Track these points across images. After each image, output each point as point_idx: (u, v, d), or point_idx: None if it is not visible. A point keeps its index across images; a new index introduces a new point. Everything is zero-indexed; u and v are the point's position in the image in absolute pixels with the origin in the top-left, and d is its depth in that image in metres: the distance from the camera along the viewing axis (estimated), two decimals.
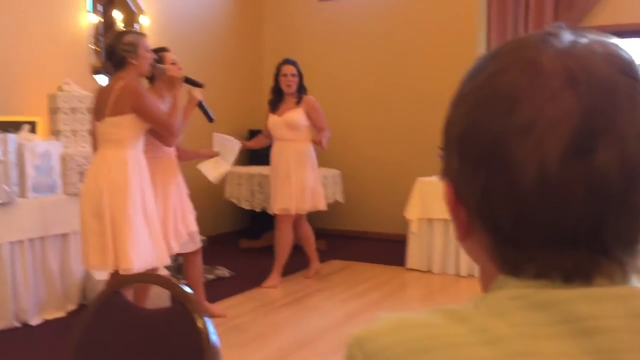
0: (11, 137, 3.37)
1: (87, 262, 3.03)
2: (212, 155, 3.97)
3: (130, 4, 5.16)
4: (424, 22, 5.98)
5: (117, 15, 4.95)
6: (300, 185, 4.40)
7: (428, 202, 4.84)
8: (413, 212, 4.89)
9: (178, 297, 1.16)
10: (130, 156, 3.00)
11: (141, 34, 3.21)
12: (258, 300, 4.18)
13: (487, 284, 0.58)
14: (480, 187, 0.54)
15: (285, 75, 4.41)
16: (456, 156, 0.56)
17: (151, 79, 3.45)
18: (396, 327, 0.54)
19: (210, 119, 3.68)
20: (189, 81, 3.42)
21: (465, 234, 0.59)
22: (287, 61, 4.48)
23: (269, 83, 6.67)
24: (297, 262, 5.16)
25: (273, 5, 6.70)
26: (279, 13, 6.68)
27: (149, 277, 1.42)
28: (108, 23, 4.95)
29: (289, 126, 4.41)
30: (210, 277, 4.49)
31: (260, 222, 5.55)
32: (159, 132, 3.20)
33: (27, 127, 3.75)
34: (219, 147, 3.97)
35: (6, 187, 3.31)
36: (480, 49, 5.79)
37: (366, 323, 0.56)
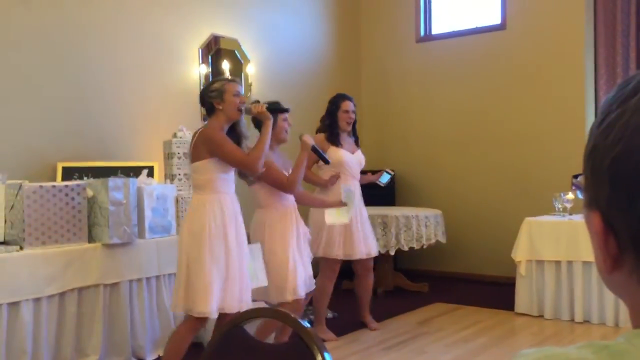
0: (132, 181, 3.61)
1: (172, 304, 3.16)
2: (339, 205, 3.91)
3: (237, 54, 5.46)
4: (526, 57, 5.86)
5: (225, 66, 5.24)
6: (367, 228, 4.34)
7: (537, 242, 4.64)
8: (521, 254, 4.70)
9: (298, 332, 1.19)
10: (211, 201, 3.03)
11: (230, 80, 3.23)
12: (361, 342, 4.14)
13: (639, 319, 0.55)
14: (638, 216, 0.52)
15: (347, 111, 4.24)
16: (607, 184, 0.55)
17: (257, 125, 3.53)
18: None
19: (326, 162, 3.78)
20: (273, 109, 3.33)
21: (612, 266, 0.56)
22: (347, 97, 4.30)
23: (367, 124, 6.81)
24: (398, 304, 5.09)
25: (370, 47, 6.83)
26: (376, 54, 6.80)
27: (269, 312, 1.46)
28: (216, 73, 5.24)
29: (359, 165, 4.34)
30: (314, 317, 4.51)
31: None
32: (247, 171, 3.24)
33: (145, 171, 4.01)
34: (346, 198, 3.90)
35: (127, 228, 3.53)
36: (588, 86, 5.57)
37: (512, 354, 0.55)
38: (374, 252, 4.36)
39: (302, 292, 3.44)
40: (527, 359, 0.53)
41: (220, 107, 3.10)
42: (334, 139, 4.22)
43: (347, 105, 4.27)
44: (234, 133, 3.19)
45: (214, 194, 3.06)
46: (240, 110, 3.15)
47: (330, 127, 4.22)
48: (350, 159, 4.25)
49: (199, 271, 2.97)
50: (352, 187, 4.15)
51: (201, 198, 3.06)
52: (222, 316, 3.15)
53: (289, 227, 3.50)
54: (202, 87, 3.31)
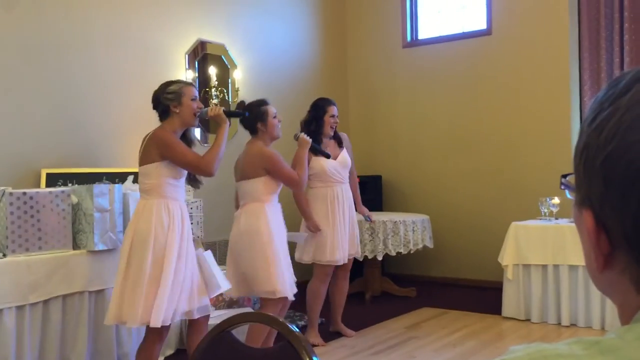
0: (117, 188, 3.57)
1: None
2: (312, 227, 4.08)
3: (224, 59, 5.44)
4: (511, 62, 5.90)
5: (212, 71, 5.22)
6: (356, 230, 4.37)
7: (524, 247, 4.66)
8: (508, 258, 4.71)
9: (286, 336, 1.17)
10: (157, 205, 2.92)
11: (188, 84, 3.14)
12: (350, 348, 4.13)
13: (629, 317, 0.55)
14: (632, 214, 0.51)
15: (333, 116, 4.22)
16: (600, 182, 0.54)
17: (252, 130, 3.55)
18: (535, 359, 0.52)
19: (327, 156, 3.84)
20: (230, 114, 3.30)
21: (604, 264, 0.56)
22: (332, 101, 4.29)
23: (354, 129, 6.81)
24: (386, 309, 5.08)
25: (357, 53, 6.84)
26: (362, 60, 6.81)
27: (257, 316, 1.44)
28: (203, 78, 5.22)
29: (345, 168, 4.29)
30: (302, 323, 4.49)
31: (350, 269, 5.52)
32: (199, 173, 3.14)
33: (131, 177, 3.98)
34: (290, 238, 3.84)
35: (112, 235, 3.50)
36: (573, 92, 5.62)
37: (500, 355, 0.54)
38: (359, 254, 4.43)
39: (289, 292, 3.42)
40: (517, 354, 0.52)
41: (177, 111, 3.01)
42: (314, 149, 4.10)
43: (333, 109, 4.25)
44: (184, 139, 3.09)
45: (160, 198, 2.94)
46: (195, 115, 3.05)
47: (316, 132, 4.15)
48: (332, 166, 4.20)
49: (146, 279, 2.84)
50: (340, 194, 4.19)
51: (147, 202, 2.95)
52: (192, 323, 3.10)
53: (282, 225, 3.54)
54: (156, 89, 3.15)
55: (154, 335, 2.95)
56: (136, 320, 2.85)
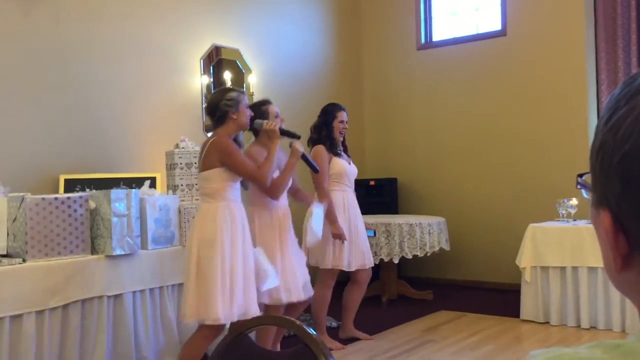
0: (134, 193, 3.60)
1: (181, 313, 3.14)
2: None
3: (239, 64, 5.47)
4: (527, 62, 5.86)
5: (227, 76, 5.25)
6: (365, 240, 4.31)
7: (542, 249, 4.61)
8: (526, 260, 4.67)
9: (303, 339, 1.17)
10: (221, 208, 3.07)
11: (242, 91, 3.32)
12: (366, 351, 4.11)
13: None
14: None
15: (342, 121, 4.21)
16: (617, 181, 0.53)
17: (256, 133, 3.62)
18: None
19: (315, 170, 3.77)
20: (285, 133, 3.43)
21: (622, 265, 0.55)
22: (342, 107, 4.27)
23: (369, 132, 6.81)
24: (402, 312, 5.06)
25: (371, 55, 6.84)
26: (377, 62, 6.81)
27: (274, 320, 1.44)
28: (218, 83, 5.25)
29: (355, 176, 4.31)
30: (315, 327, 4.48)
31: None
32: (255, 185, 3.31)
33: (148, 182, 4.00)
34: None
35: (130, 239, 3.52)
36: (590, 91, 5.57)
37: (532, 347, 0.53)
38: (372, 263, 4.34)
39: (283, 298, 3.41)
40: (537, 359, 0.52)
41: (235, 117, 3.15)
42: (334, 150, 4.19)
43: (343, 115, 4.24)
44: (235, 142, 3.23)
45: (223, 201, 3.09)
46: (251, 122, 3.25)
47: (328, 137, 4.17)
48: (349, 170, 4.23)
49: (213, 279, 2.97)
50: (352, 200, 4.18)
51: (211, 206, 3.09)
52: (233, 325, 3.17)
53: (279, 228, 3.50)
54: (212, 96, 3.31)
55: (208, 332, 3.02)
56: (217, 317, 2.95)
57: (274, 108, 3.63)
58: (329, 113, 4.23)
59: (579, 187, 0.64)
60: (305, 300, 3.59)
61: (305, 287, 3.54)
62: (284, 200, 3.57)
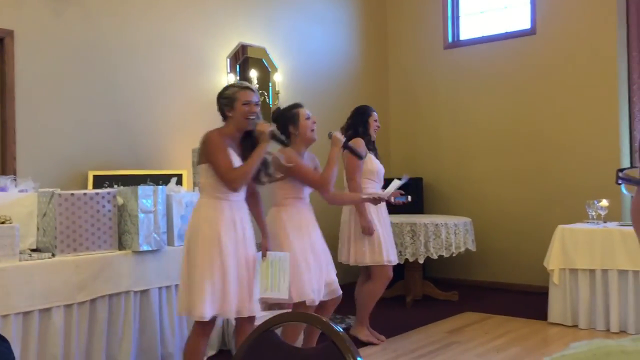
0: (161, 189, 3.63)
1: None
2: (374, 202, 3.88)
3: (265, 62, 5.48)
4: (556, 62, 5.77)
5: (253, 74, 5.26)
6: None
7: (570, 251, 4.53)
8: (554, 262, 4.60)
9: (331, 336, 1.16)
10: (206, 205, 2.98)
11: (243, 87, 3.09)
12: (392, 351, 4.09)
13: None
14: None
15: (376, 121, 4.28)
16: None
17: (287, 136, 3.46)
18: (597, 355, 0.49)
19: (360, 157, 3.80)
20: (275, 138, 3.12)
21: None
22: (373, 109, 4.35)
23: (395, 131, 6.77)
24: (427, 313, 5.02)
25: (398, 54, 6.80)
26: (403, 61, 6.77)
27: (301, 316, 1.43)
28: (245, 81, 5.27)
29: (383, 175, 4.35)
30: (342, 326, 4.48)
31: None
32: (306, 181, 3.30)
33: (174, 179, 4.03)
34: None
35: (156, 236, 3.55)
36: (622, 91, 5.46)
37: (559, 350, 0.52)
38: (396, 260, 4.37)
39: (311, 296, 3.33)
40: (578, 350, 0.50)
41: (231, 115, 3.03)
42: (370, 147, 4.26)
43: (376, 115, 4.33)
44: (249, 141, 3.07)
45: (210, 198, 2.98)
46: (249, 120, 3.01)
47: (365, 134, 4.24)
48: (381, 169, 4.31)
49: (194, 274, 2.91)
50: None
51: (200, 201, 3.03)
52: (240, 321, 3.10)
53: (305, 228, 3.45)
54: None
55: (197, 328, 2.99)
56: (194, 312, 2.90)
57: (304, 111, 3.52)
58: (364, 112, 4.31)
59: (620, 182, 0.62)
60: (333, 300, 3.57)
61: (332, 287, 3.51)
62: (306, 199, 3.55)
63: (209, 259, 2.90)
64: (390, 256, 4.16)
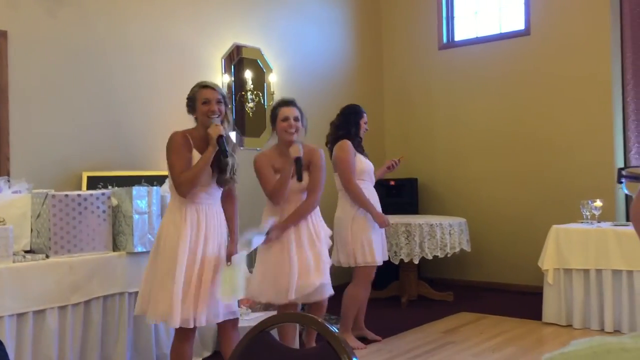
0: (155, 190, 3.62)
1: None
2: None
3: (260, 63, 5.47)
4: (551, 62, 5.79)
5: (247, 75, 5.26)
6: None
7: (564, 251, 4.55)
8: (548, 262, 4.61)
9: (326, 337, 1.16)
10: (171, 208, 2.94)
11: (203, 86, 2.97)
12: (387, 352, 4.09)
13: None
14: None
15: (366, 122, 4.30)
16: None
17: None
18: (598, 353, 0.49)
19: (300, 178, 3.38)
20: (220, 144, 2.86)
21: None
22: (363, 109, 4.34)
23: (390, 132, 6.78)
24: (422, 313, 5.02)
25: (392, 55, 6.81)
26: (398, 62, 6.78)
27: (296, 317, 1.43)
28: (239, 82, 5.26)
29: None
30: (337, 326, 4.47)
31: (386, 272, 5.48)
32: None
33: (168, 180, 4.02)
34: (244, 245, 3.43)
35: (151, 237, 3.54)
36: (616, 92, 5.48)
37: (554, 349, 0.52)
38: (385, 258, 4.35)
39: (292, 296, 3.27)
40: (579, 347, 0.50)
41: (195, 115, 2.96)
42: (360, 147, 4.24)
43: (366, 117, 4.33)
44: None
45: (176, 200, 2.92)
46: (211, 119, 2.87)
47: (357, 135, 4.23)
48: (371, 167, 4.27)
49: (158, 277, 2.86)
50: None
51: (170, 203, 3.00)
52: (220, 327, 3.05)
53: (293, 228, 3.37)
54: None
55: (179, 334, 2.94)
56: (156, 317, 2.86)
57: (285, 111, 3.39)
58: (357, 112, 4.28)
59: (622, 180, 0.62)
60: (323, 300, 3.54)
61: (320, 288, 3.42)
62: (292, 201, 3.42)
63: (175, 264, 2.82)
64: (367, 257, 4.08)
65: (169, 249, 2.86)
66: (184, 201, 2.90)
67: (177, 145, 2.90)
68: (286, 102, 3.46)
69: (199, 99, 2.93)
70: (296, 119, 3.39)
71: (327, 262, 3.46)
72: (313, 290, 3.36)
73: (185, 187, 2.85)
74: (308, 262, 3.35)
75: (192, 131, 2.97)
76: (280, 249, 3.35)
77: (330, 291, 3.47)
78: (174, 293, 2.79)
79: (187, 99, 2.99)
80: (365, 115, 4.30)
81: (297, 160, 3.27)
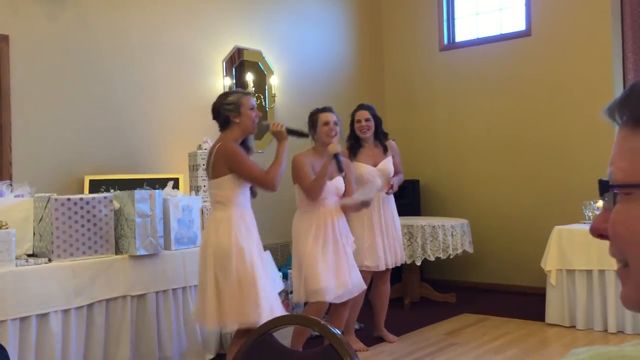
0: (158, 193, 3.63)
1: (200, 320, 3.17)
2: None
3: (261, 65, 5.48)
4: (552, 63, 5.78)
5: (249, 77, 5.26)
6: (397, 239, 4.33)
7: (567, 251, 4.54)
8: (551, 263, 4.60)
9: (329, 339, 1.16)
10: (234, 216, 3.04)
11: (245, 93, 3.21)
12: (389, 354, 4.09)
13: None
14: None
15: (359, 121, 4.27)
16: None
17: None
18: None
19: (341, 170, 3.71)
20: (292, 132, 3.29)
21: None
22: (361, 107, 4.35)
23: (391, 133, 6.72)
24: (425, 315, 5.02)
25: (393, 57, 6.81)
26: (399, 64, 6.77)
27: (298, 319, 1.43)
28: (240, 85, 5.27)
29: (384, 175, 4.28)
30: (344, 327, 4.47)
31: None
32: (263, 189, 3.20)
33: (171, 183, 4.03)
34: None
35: (153, 240, 3.55)
36: (617, 88, 5.47)
37: (557, 351, 0.52)
38: (400, 262, 4.34)
39: (326, 296, 3.42)
40: (579, 357, 0.50)
41: (237, 121, 3.08)
42: (352, 151, 4.26)
43: (359, 115, 4.31)
44: (244, 146, 3.16)
45: (237, 208, 3.06)
46: (254, 124, 3.13)
47: (349, 138, 4.30)
48: (369, 172, 4.21)
49: (236, 287, 2.99)
50: (377, 200, 4.16)
51: (224, 214, 3.05)
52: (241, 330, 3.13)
53: (316, 229, 3.49)
54: (215, 100, 3.22)
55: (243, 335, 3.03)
56: (240, 323, 2.98)
57: (325, 116, 3.67)
58: (351, 116, 4.37)
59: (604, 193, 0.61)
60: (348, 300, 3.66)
61: (345, 288, 3.56)
62: (328, 201, 3.57)
63: (253, 269, 3.00)
64: (370, 262, 4.12)
65: (242, 258, 3.01)
66: (241, 208, 3.10)
67: (240, 151, 3.11)
68: (325, 109, 3.77)
69: (245, 105, 3.11)
70: (335, 123, 3.70)
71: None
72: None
73: (277, 181, 3.13)
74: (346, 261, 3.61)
75: (233, 137, 3.12)
76: (306, 245, 3.52)
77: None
78: (262, 294, 3.01)
79: (229, 104, 3.10)
80: (358, 113, 4.30)
81: (337, 156, 3.54)
